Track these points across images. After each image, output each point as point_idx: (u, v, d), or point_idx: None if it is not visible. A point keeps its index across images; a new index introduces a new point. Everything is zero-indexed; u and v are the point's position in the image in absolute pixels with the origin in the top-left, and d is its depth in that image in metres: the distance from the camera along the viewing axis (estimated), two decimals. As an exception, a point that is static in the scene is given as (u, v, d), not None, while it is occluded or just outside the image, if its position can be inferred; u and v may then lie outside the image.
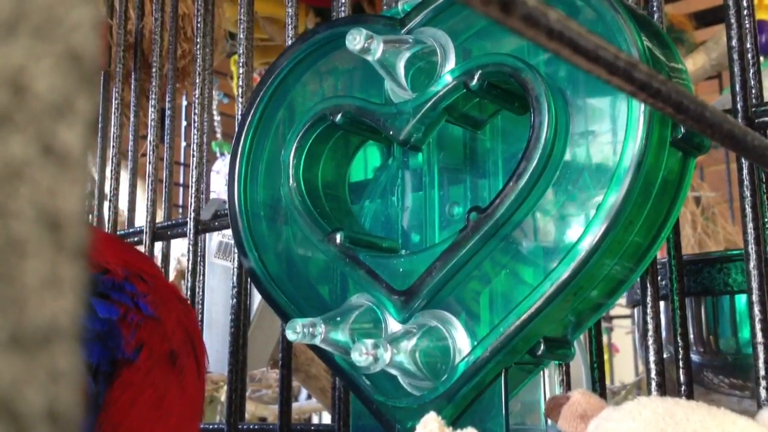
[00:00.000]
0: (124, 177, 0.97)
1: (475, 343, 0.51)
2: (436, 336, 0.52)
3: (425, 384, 0.52)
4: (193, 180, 0.86)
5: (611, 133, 0.48)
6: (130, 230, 0.95)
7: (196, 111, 0.89)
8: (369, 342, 0.48)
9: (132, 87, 1.00)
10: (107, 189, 0.99)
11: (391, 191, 0.62)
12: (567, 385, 0.57)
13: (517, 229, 0.50)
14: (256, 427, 0.76)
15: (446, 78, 0.53)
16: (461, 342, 0.51)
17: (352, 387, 0.56)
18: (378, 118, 0.56)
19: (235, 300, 0.77)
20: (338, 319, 0.53)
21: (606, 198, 0.46)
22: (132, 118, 0.97)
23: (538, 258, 0.50)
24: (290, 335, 0.51)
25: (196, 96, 0.88)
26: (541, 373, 0.54)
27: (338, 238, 0.56)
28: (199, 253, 0.84)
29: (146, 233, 0.90)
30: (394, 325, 0.54)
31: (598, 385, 0.57)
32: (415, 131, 0.55)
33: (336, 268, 0.59)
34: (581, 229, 0.48)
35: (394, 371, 0.51)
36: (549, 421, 0.52)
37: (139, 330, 0.48)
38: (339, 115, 0.58)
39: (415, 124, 0.55)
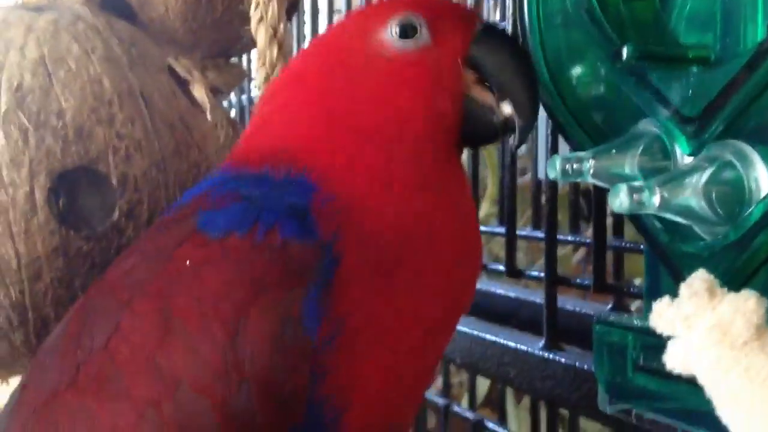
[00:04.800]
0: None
1: (779, 182, 0.41)
2: (729, 171, 0.42)
3: (717, 229, 0.44)
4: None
5: None
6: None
7: None
8: (630, 184, 0.41)
9: None
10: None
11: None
12: None
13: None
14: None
15: None
16: (761, 179, 0.42)
17: (637, 225, 0.49)
18: None
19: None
20: (614, 151, 0.46)
21: None
22: None
23: None
24: (551, 173, 0.46)
25: None
26: None
27: (624, 53, 0.48)
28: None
29: None
30: (683, 158, 0.45)
31: None
32: None
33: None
34: None
35: (674, 216, 0.43)
36: None
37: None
38: None
39: None
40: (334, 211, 0.44)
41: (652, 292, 0.51)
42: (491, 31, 0.51)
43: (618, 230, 0.77)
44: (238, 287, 0.42)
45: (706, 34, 0.49)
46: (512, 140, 0.49)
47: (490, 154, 1.17)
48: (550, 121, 0.77)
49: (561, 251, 0.90)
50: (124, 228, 0.53)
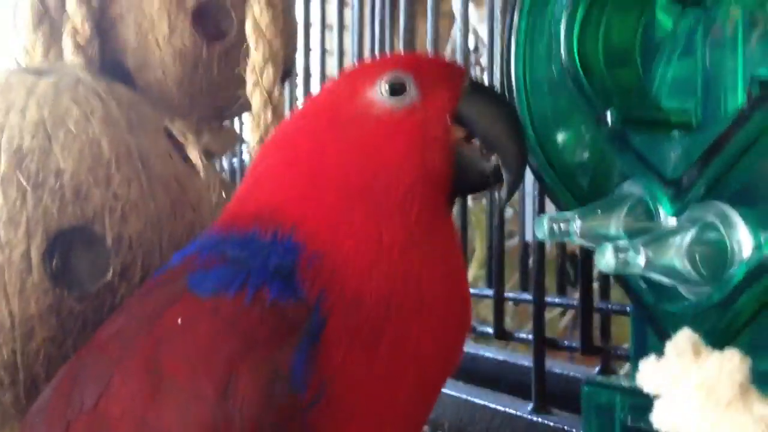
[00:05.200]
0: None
1: (760, 242, 0.42)
2: (711, 233, 0.44)
3: (700, 289, 0.45)
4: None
5: None
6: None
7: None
8: (616, 244, 0.42)
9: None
10: None
11: (689, 51, 0.52)
12: None
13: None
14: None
15: None
16: (743, 240, 0.43)
17: (623, 286, 0.50)
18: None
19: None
20: (599, 211, 0.48)
21: None
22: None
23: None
24: (538, 232, 0.47)
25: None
26: None
27: (609, 117, 0.49)
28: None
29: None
30: (666, 219, 0.47)
31: None
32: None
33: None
34: None
35: (659, 276, 0.44)
36: None
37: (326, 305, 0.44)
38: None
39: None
40: (319, 273, 0.45)
41: (639, 353, 0.51)
42: (479, 87, 0.51)
43: (604, 294, 0.78)
44: (228, 344, 0.42)
45: (688, 99, 0.51)
46: (500, 196, 0.49)
47: (478, 216, 1.18)
48: (537, 183, 0.78)
49: (548, 316, 0.91)
50: (117, 288, 0.53)
